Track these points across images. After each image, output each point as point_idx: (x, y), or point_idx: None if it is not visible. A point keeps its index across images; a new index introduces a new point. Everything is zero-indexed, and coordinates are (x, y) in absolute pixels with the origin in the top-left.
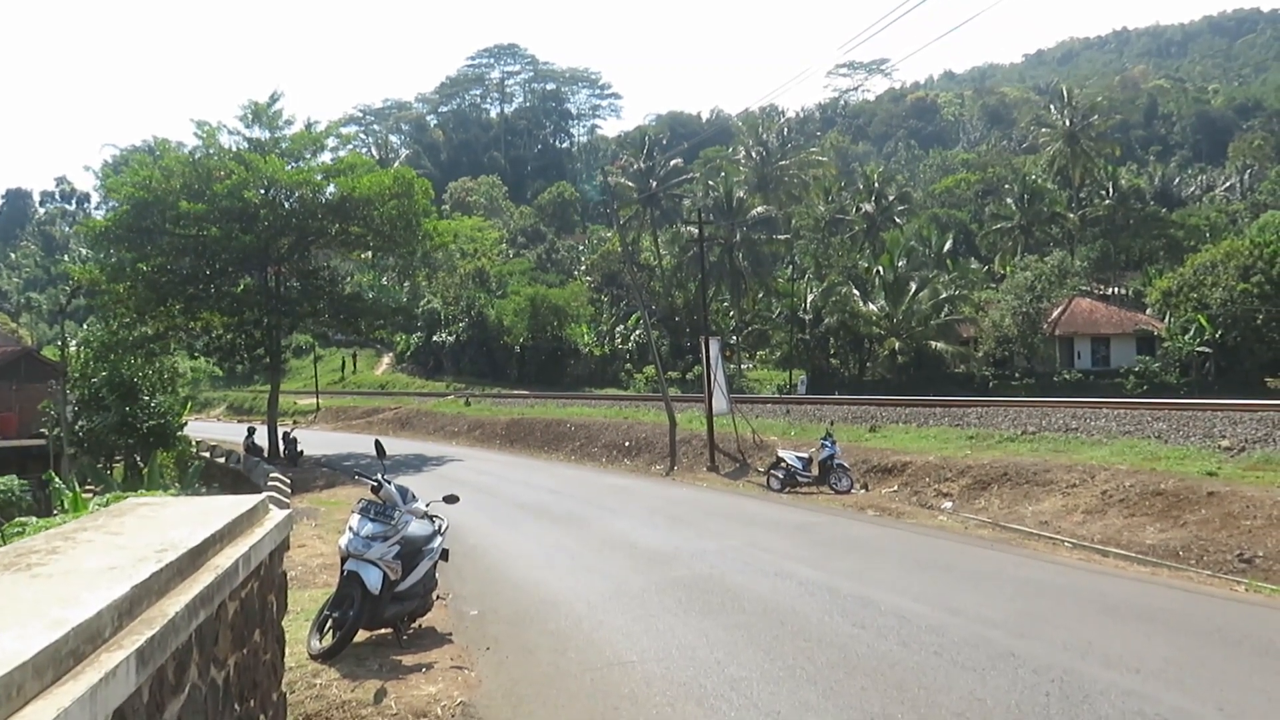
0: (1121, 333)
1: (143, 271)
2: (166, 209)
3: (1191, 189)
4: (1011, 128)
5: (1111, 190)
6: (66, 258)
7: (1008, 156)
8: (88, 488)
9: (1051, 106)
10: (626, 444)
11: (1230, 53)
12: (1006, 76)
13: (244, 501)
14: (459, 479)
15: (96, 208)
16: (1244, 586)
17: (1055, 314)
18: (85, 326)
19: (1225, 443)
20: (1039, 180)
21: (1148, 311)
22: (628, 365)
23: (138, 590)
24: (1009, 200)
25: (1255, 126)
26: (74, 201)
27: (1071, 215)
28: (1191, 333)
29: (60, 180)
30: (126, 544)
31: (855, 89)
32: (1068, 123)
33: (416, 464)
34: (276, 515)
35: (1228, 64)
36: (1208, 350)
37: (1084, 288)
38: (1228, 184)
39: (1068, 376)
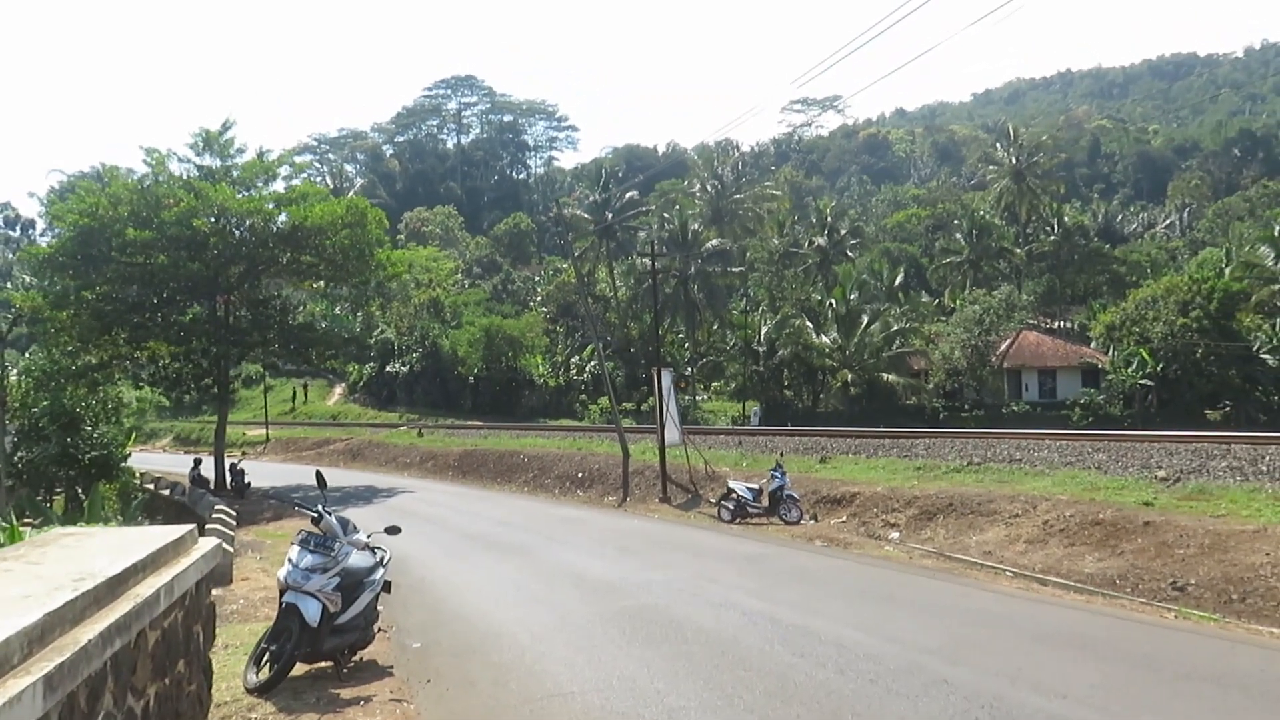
0: (1067, 365)
1: (87, 299)
2: (113, 236)
3: (1133, 226)
4: (961, 164)
5: (1056, 226)
6: (9, 284)
7: (957, 193)
8: (26, 521)
9: (999, 144)
10: (580, 475)
11: (1169, 94)
12: (956, 114)
13: (170, 532)
14: (409, 511)
15: (41, 234)
16: (1174, 614)
17: (1003, 347)
18: (27, 355)
19: (1161, 473)
20: (987, 216)
21: (1092, 345)
22: (582, 396)
23: (50, 618)
24: (958, 235)
25: (1193, 166)
26: (18, 228)
27: (1018, 250)
28: (1134, 366)
29: (4, 206)
30: (44, 573)
31: (809, 124)
32: (1014, 160)
33: (367, 495)
34: (204, 545)
35: (1167, 105)
36: (1150, 383)
37: (1031, 321)
38: (1167, 221)
39: (1016, 408)
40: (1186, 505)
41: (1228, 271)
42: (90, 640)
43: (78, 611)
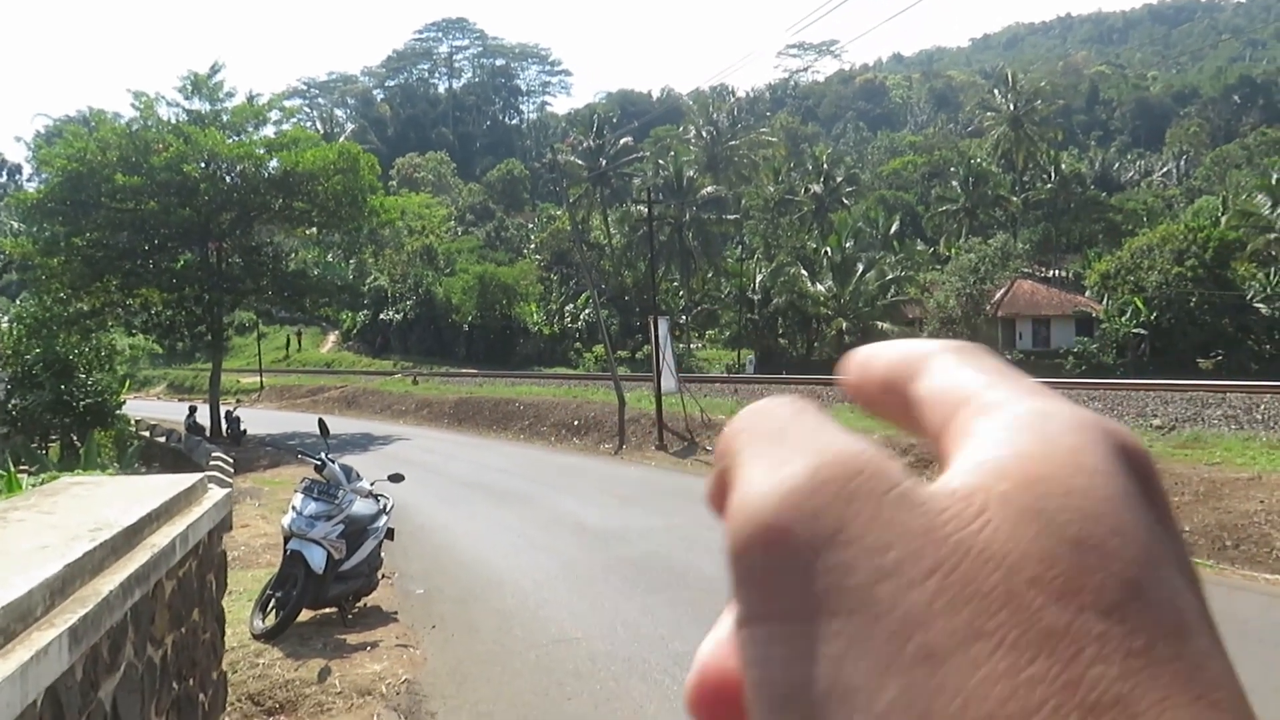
0: (1062, 314)
1: (77, 246)
2: (102, 182)
3: (1130, 174)
4: (958, 111)
5: (1053, 174)
6: None
7: (954, 139)
8: (22, 468)
9: (996, 91)
10: (575, 423)
11: (1169, 40)
12: (954, 60)
13: (181, 481)
14: (406, 458)
15: (28, 180)
16: None
17: (998, 295)
18: (18, 302)
19: (1157, 421)
20: (984, 163)
21: (1087, 294)
22: (577, 344)
23: (70, 569)
24: (954, 183)
25: (1192, 113)
26: (5, 173)
27: (1014, 198)
28: (1128, 315)
29: None
30: (60, 523)
31: (805, 70)
32: (1012, 107)
33: (363, 443)
34: (215, 494)
35: (1166, 51)
36: (1143, 332)
37: (1026, 270)
38: (1165, 169)
39: (1010, 357)
40: (1181, 453)
41: (1224, 220)
42: (111, 591)
43: (96, 562)
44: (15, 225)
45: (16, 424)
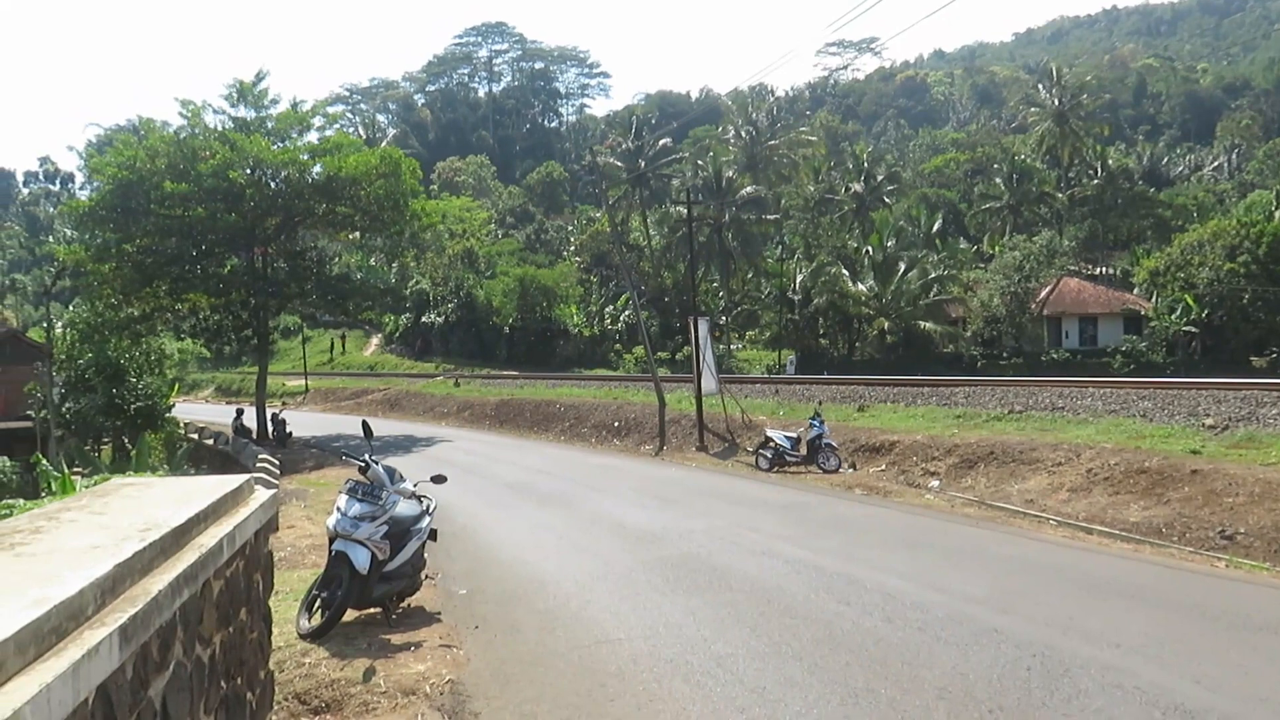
0: (1109, 312)
1: (128, 252)
2: (151, 189)
3: (1179, 168)
4: (1001, 107)
5: (1100, 170)
6: (51, 238)
7: (997, 136)
8: (75, 469)
9: (1041, 85)
10: (616, 424)
11: (1219, 31)
12: (996, 55)
13: (229, 481)
14: (448, 459)
15: (81, 188)
16: (1224, 563)
17: (1043, 294)
18: (71, 308)
19: (1209, 421)
20: (1028, 160)
21: (1135, 291)
22: (617, 346)
23: (120, 569)
24: (998, 180)
25: (1243, 106)
26: (58, 182)
27: (1060, 195)
28: (1178, 312)
29: (44, 160)
30: (110, 523)
31: (844, 68)
32: (1057, 102)
33: (406, 445)
34: (262, 495)
35: (1216, 43)
36: (1194, 329)
37: (1072, 267)
38: (1215, 163)
39: (1055, 356)
40: (1235, 453)
41: (1277, 215)
42: (160, 590)
43: (146, 562)
44: (68, 232)
45: (70, 426)
